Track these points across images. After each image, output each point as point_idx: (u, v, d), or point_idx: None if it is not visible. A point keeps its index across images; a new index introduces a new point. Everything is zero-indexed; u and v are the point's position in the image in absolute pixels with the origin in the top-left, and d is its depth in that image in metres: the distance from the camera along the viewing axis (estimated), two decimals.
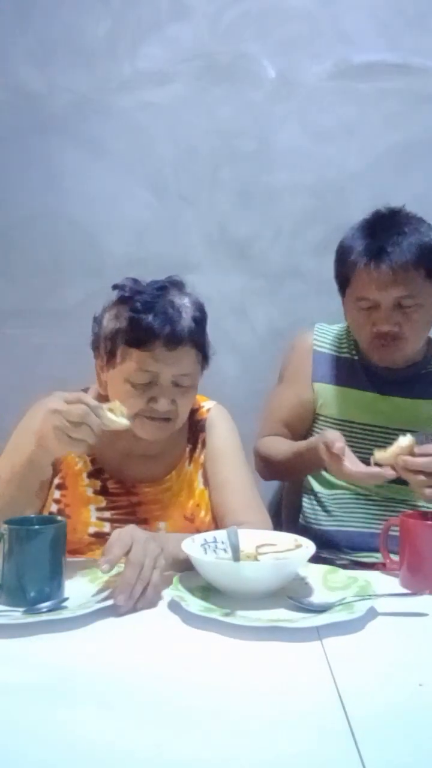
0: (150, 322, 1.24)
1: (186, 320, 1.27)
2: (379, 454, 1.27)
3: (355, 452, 1.48)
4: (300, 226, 2.21)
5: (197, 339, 1.29)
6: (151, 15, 2.21)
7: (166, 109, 2.22)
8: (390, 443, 1.47)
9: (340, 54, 2.19)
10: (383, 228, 1.47)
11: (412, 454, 1.24)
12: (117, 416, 1.17)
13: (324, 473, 1.57)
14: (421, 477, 1.23)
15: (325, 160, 2.19)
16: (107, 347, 1.31)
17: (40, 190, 2.25)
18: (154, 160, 2.23)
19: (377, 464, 1.28)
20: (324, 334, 1.66)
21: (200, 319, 1.31)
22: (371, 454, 1.48)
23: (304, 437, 1.59)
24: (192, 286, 1.38)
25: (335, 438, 1.35)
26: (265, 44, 2.20)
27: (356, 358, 1.60)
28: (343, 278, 1.51)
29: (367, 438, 1.55)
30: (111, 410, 1.16)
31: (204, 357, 1.34)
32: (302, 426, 1.63)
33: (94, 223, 2.23)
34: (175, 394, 1.29)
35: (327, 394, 1.59)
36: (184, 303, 1.30)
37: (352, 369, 1.60)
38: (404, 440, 1.26)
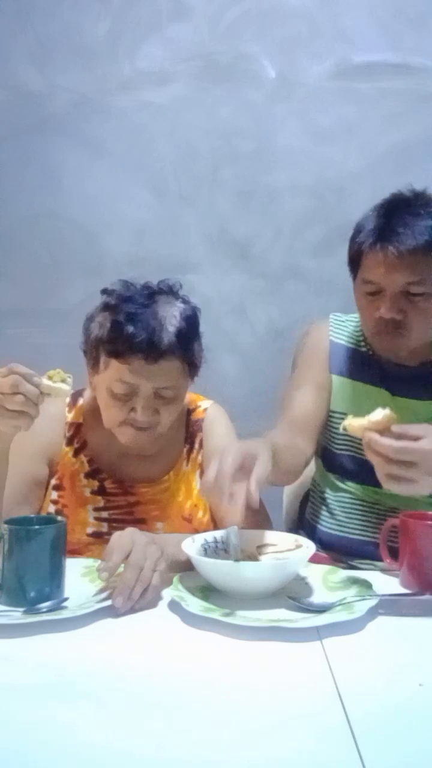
0: (129, 335, 1.21)
1: (168, 333, 1.23)
2: (349, 421, 1.12)
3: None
4: (300, 226, 2.21)
5: (181, 352, 1.25)
6: (151, 15, 2.22)
7: (166, 109, 2.22)
8: None
9: (340, 54, 2.20)
10: (398, 209, 1.37)
11: (387, 430, 1.08)
12: (55, 382, 1.13)
13: (329, 474, 1.55)
14: (381, 460, 1.06)
15: (325, 160, 2.20)
16: (92, 353, 1.30)
17: (40, 190, 2.25)
18: (154, 160, 2.23)
19: (345, 431, 1.14)
20: (340, 325, 1.56)
21: (186, 331, 1.26)
22: None
23: (317, 429, 1.50)
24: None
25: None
26: (265, 44, 2.21)
27: (371, 353, 1.51)
28: (353, 259, 1.41)
29: None
30: (50, 377, 1.13)
31: (192, 367, 1.31)
32: (314, 415, 1.50)
33: (94, 223, 2.24)
34: (157, 404, 1.26)
35: (340, 388, 1.51)
36: (171, 313, 1.26)
37: (367, 364, 1.50)
38: (377, 414, 1.08)
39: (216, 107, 2.22)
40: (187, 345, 1.27)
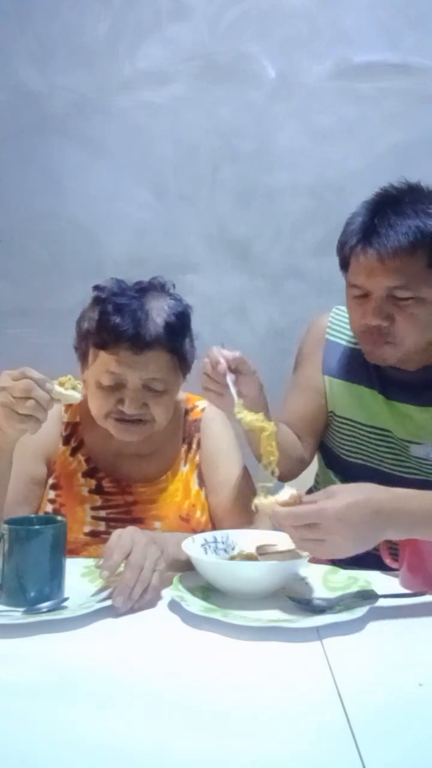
0: (115, 325, 1.22)
1: (155, 324, 1.23)
2: (259, 500, 1.09)
3: (363, 458, 1.43)
4: (300, 226, 2.21)
5: (170, 343, 1.26)
6: (151, 15, 2.22)
7: (166, 109, 2.22)
8: (398, 453, 1.41)
9: (340, 54, 2.20)
10: (384, 207, 1.28)
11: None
12: (67, 389, 1.14)
13: (329, 471, 1.54)
14: (292, 531, 1.02)
15: (325, 160, 2.20)
16: (81, 347, 1.31)
17: (40, 190, 2.25)
18: (154, 160, 2.24)
19: (257, 509, 1.11)
20: (339, 321, 1.49)
21: (175, 324, 1.27)
22: (380, 462, 1.42)
23: (312, 431, 1.49)
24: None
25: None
26: (265, 44, 2.21)
27: None
28: (341, 260, 1.34)
29: (373, 442, 1.43)
30: (61, 383, 1.14)
31: (182, 362, 1.31)
32: (307, 416, 1.48)
33: (94, 223, 2.24)
34: (146, 397, 1.26)
35: (333, 389, 1.47)
36: (160, 306, 1.26)
37: (364, 364, 1.41)
38: (283, 494, 1.06)
39: (216, 107, 2.22)
40: (175, 338, 1.27)
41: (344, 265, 1.34)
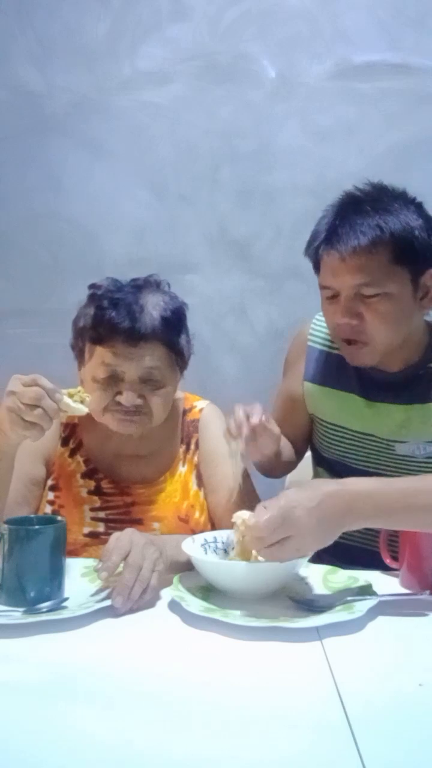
0: (110, 318, 1.23)
1: (150, 317, 1.25)
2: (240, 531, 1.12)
3: (349, 459, 1.43)
4: (300, 226, 2.19)
5: (165, 336, 1.26)
6: (151, 15, 2.22)
7: (166, 109, 2.22)
8: (384, 453, 1.41)
9: (340, 54, 2.20)
10: (347, 208, 1.30)
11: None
12: (75, 402, 1.15)
13: (318, 468, 1.54)
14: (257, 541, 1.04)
15: (325, 160, 2.20)
16: (78, 345, 1.32)
17: (40, 190, 2.25)
18: (154, 160, 2.24)
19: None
20: (320, 327, 1.50)
21: (171, 319, 1.28)
22: (367, 465, 1.43)
23: (301, 438, 1.53)
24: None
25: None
26: (265, 44, 2.21)
27: None
28: (312, 263, 1.36)
29: (357, 445, 1.43)
30: (71, 395, 1.15)
31: (179, 357, 1.32)
32: (293, 425, 1.51)
33: (94, 223, 2.24)
34: (143, 390, 1.27)
35: (313, 395, 1.48)
36: (155, 301, 1.27)
37: (343, 368, 1.43)
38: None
39: (216, 107, 2.22)
40: (170, 331, 1.28)
41: (315, 267, 1.36)
